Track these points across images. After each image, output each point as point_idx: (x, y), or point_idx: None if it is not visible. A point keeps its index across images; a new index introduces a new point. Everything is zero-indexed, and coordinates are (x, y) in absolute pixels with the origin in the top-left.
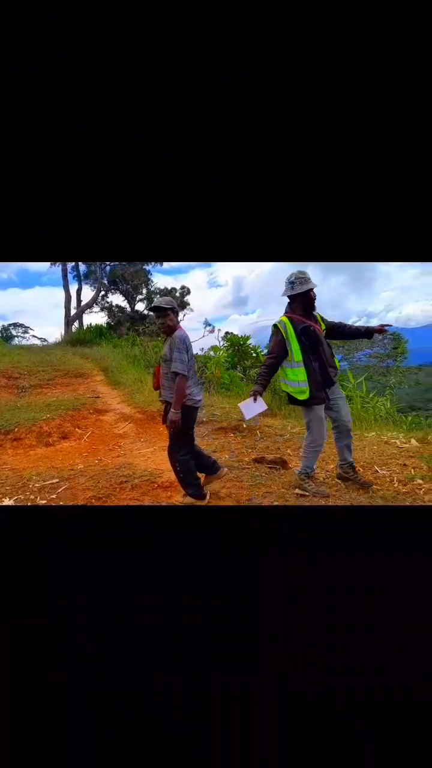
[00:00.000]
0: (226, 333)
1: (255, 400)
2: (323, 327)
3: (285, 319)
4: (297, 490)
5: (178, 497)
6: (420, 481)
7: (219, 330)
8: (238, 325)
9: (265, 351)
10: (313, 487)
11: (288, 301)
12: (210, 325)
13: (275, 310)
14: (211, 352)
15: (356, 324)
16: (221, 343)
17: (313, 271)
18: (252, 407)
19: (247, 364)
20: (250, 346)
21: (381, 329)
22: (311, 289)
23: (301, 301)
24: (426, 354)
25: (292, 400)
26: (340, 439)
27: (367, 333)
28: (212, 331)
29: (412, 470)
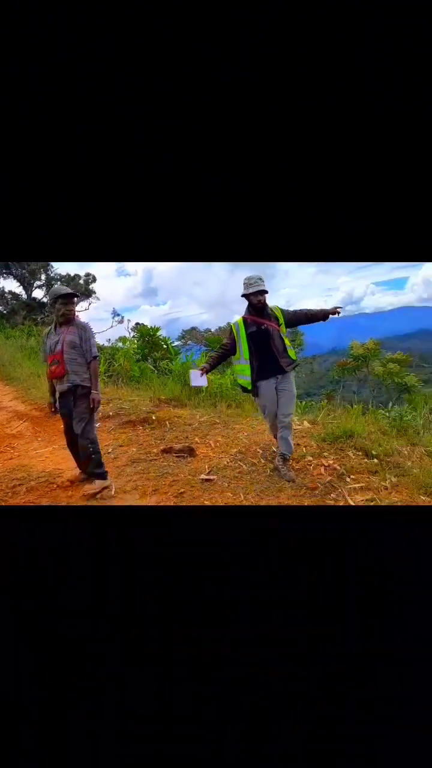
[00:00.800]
0: (137, 324)
1: (201, 375)
2: (281, 321)
3: (240, 320)
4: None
5: (88, 487)
6: (310, 458)
7: (129, 321)
8: (149, 316)
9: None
10: (285, 472)
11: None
12: (118, 315)
13: (185, 303)
14: (120, 344)
15: (312, 310)
16: (130, 334)
17: (221, 266)
18: (198, 379)
19: (158, 355)
20: (161, 337)
21: (335, 311)
22: (255, 294)
23: (251, 303)
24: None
25: (243, 389)
26: (279, 426)
27: (323, 315)
28: (121, 322)
29: (304, 449)
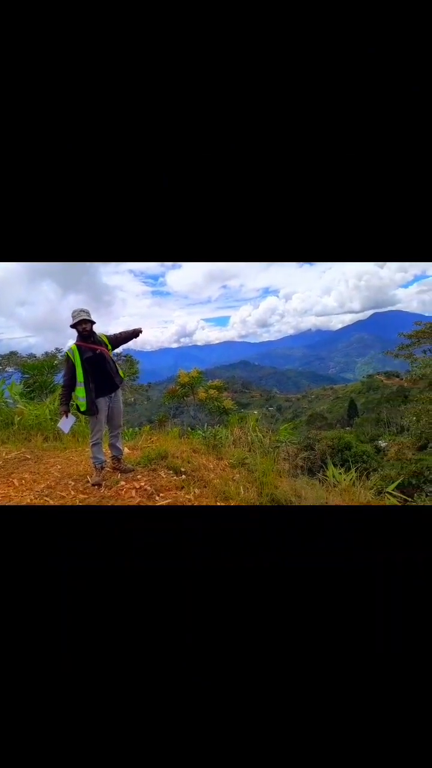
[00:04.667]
0: None
1: (67, 416)
2: (109, 346)
3: (74, 347)
4: (88, 477)
5: None
6: (123, 483)
7: None
8: None
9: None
10: (95, 477)
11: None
12: None
13: (3, 324)
14: None
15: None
16: None
17: (51, 287)
18: (66, 423)
19: None
20: None
21: (138, 331)
22: (80, 323)
23: (78, 332)
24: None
25: (78, 409)
26: (110, 435)
27: (134, 334)
28: None
29: (118, 475)
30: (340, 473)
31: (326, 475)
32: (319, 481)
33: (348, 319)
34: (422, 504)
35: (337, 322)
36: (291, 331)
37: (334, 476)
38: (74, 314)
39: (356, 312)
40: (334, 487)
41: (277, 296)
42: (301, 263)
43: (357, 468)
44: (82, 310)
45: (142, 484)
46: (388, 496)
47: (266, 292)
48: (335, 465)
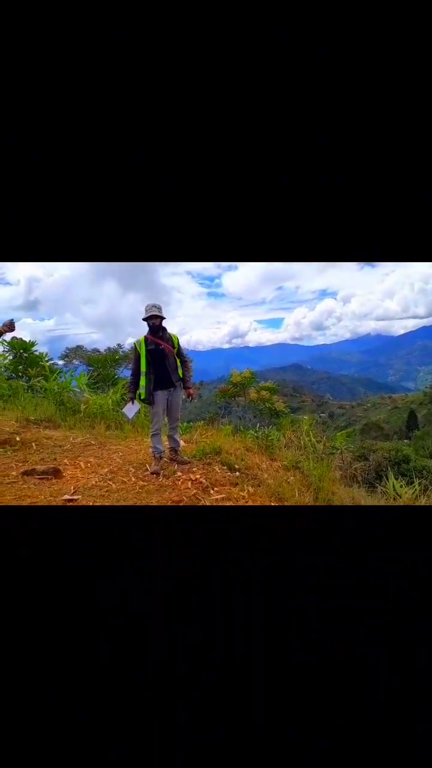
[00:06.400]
0: (13, 338)
1: (132, 403)
2: (176, 346)
3: (142, 339)
4: (147, 465)
5: None
6: (179, 474)
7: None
8: (30, 330)
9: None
10: (154, 466)
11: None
12: None
13: (73, 320)
14: None
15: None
16: (2, 348)
17: (112, 286)
18: (131, 409)
19: (32, 372)
20: (36, 353)
21: (192, 393)
22: (150, 318)
23: (149, 326)
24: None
25: (139, 397)
26: (168, 427)
27: (186, 384)
28: None
29: (175, 466)
30: (401, 486)
31: (385, 487)
32: (379, 492)
33: (411, 324)
34: None
35: (399, 327)
36: (348, 335)
37: (394, 489)
38: (147, 308)
39: (421, 317)
40: (394, 500)
41: (335, 298)
42: (362, 265)
43: (418, 483)
44: (155, 306)
45: (198, 476)
46: None
47: (323, 294)
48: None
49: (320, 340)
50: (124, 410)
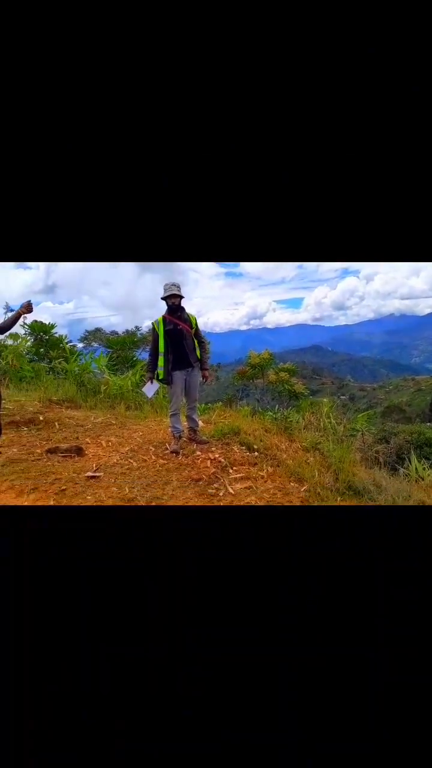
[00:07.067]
0: (33, 321)
1: (152, 382)
2: (194, 326)
3: (160, 319)
4: (167, 444)
5: None
6: (198, 453)
7: (24, 317)
8: (50, 314)
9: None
10: (173, 445)
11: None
12: (12, 310)
13: (91, 303)
14: (9, 341)
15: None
16: (24, 331)
17: (128, 267)
18: (150, 388)
19: (53, 354)
20: (56, 335)
21: (208, 377)
22: (170, 297)
23: (167, 305)
24: (225, 356)
25: (157, 377)
26: (187, 407)
27: (204, 365)
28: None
29: (194, 445)
30: (424, 469)
31: (407, 469)
32: (401, 474)
33: None
34: None
35: (425, 306)
36: (371, 315)
37: (417, 471)
38: (166, 287)
39: None
40: (416, 482)
41: (357, 277)
42: None
43: None
44: (174, 284)
45: (217, 456)
46: None
47: (345, 272)
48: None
49: (342, 320)
50: (143, 389)
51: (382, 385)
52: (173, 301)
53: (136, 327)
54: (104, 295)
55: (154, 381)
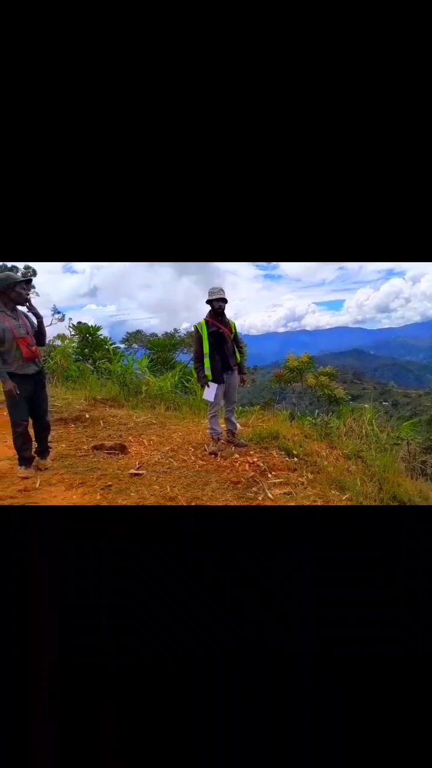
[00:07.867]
0: (78, 322)
1: (208, 386)
2: (233, 331)
3: (203, 322)
4: (205, 446)
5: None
6: (237, 456)
7: (70, 319)
8: (94, 316)
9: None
10: (212, 447)
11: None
12: (59, 312)
13: (132, 305)
14: (57, 341)
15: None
16: (70, 332)
17: (166, 271)
18: (209, 392)
19: (98, 355)
20: (101, 337)
21: (243, 379)
22: (217, 300)
23: (212, 308)
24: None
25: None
26: (225, 410)
27: (236, 365)
28: (62, 320)
29: (233, 448)
30: None
31: None
32: None
33: None
34: None
35: None
36: (417, 318)
37: None
38: (213, 291)
39: None
40: None
41: (403, 278)
42: None
43: None
44: (221, 289)
45: (255, 459)
46: None
47: (390, 273)
48: None
49: (385, 323)
50: (204, 396)
51: (428, 392)
52: (220, 305)
53: (175, 329)
54: (143, 298)
55: (211, 383)
